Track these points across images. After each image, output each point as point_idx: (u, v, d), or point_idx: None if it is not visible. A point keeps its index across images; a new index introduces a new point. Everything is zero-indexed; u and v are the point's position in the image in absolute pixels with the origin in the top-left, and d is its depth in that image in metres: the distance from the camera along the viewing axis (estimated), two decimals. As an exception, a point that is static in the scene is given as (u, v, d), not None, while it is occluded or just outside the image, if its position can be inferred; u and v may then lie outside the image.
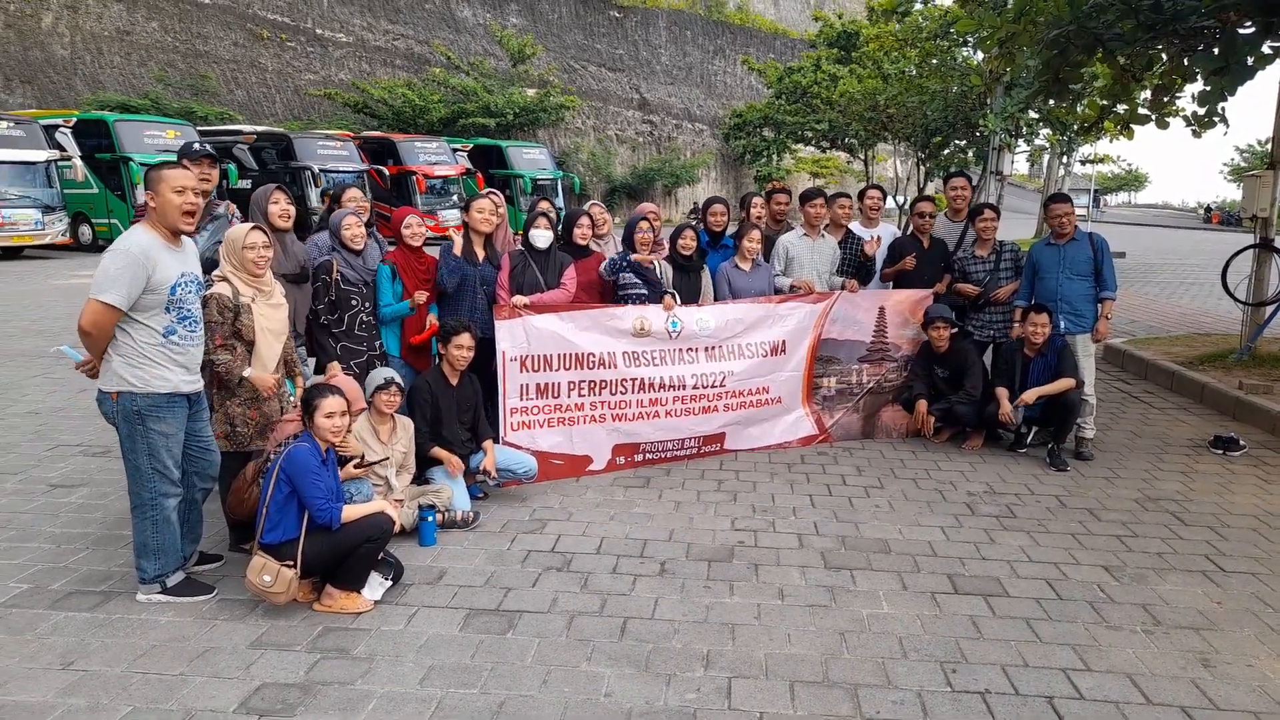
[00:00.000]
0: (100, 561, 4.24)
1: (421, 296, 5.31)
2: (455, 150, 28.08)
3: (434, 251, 5.48)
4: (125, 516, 3.91)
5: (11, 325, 10.83)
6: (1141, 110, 8.60)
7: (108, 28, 30.60)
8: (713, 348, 6.01)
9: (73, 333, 3.68)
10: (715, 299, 6.22)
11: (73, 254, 19.88)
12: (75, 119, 21.69)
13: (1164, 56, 8.06)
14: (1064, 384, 5.91)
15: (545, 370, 5.54)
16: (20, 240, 18.97)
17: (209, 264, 4.24)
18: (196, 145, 4.63)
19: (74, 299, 4.40)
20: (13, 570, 4.13)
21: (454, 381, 5.06)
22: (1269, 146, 8.85)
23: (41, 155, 19.46)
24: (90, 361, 3.77)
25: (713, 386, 6.02)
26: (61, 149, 20.34)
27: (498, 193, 6.03)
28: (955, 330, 6.37)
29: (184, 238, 3.78)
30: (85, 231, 21.37)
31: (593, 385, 5.69)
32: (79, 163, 20.16)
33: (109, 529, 4.62)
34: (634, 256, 5.77)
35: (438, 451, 4.94)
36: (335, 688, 3.21)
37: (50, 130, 20.47)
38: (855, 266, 6.72)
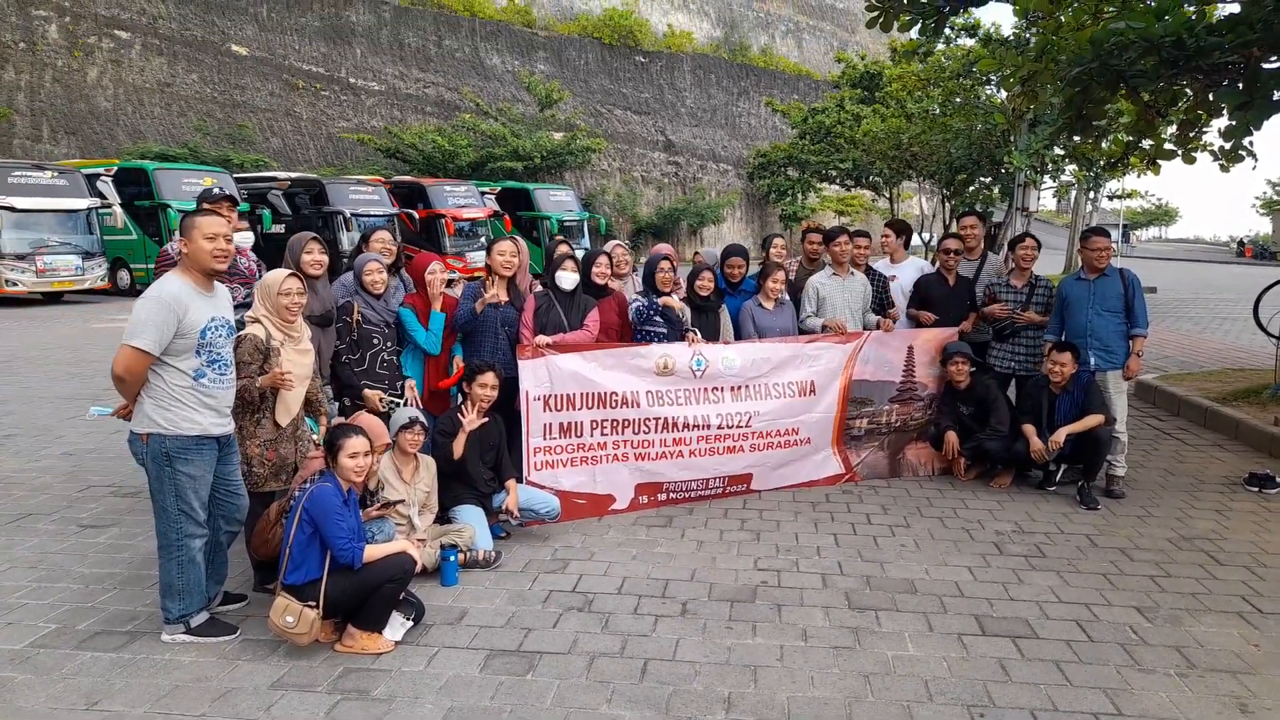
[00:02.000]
0: (127, 601, 4.29)
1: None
2: (483, 193, 28.49)
3: (455, 292, 5.57)
4: (153, 557, 3.96)
5: (51, 369, 11.08)
6: (1167, 145, 8.57)
7: (149, 80, 31.64)
8: (739, 387, 6.00)
9: (108, 376, 3.77)
10: (740, 338, 6.23)
11: (111, 299, 20.35)
12: (116, 168, 22.35)
13: (1188, 92, 8.04)
14: (1093, 420, 5.83)
15: (569, 410, 5.56)
16: (61, 285, 19.48)
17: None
18: (216, 189, 4.78)
19: (111, 342, 4.53)
20: (42, 610, 4.18)
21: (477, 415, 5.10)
22: (1299, 180, 8.75)
23: (83, 203, 20.04)
24: (127, 406, 3.85)
25: (738, 426, 5.99)
26: (102, 197, 20.94)
27: (517, 236, 6.12)
28: (974, 367, 6.32)
29: (216, 283, 3.88)
30: (124, 276, 21.88)
31: (616, 424, 5.70)
32: (119, 210, 20.73)
33: (136, 569, 4.67)
34: (662, 301, 5.81)
35: (367, 394, 5.10)
36: (354, 729, 3.20)
37: (92, 179, 21.10)
38: (880, 304, 6.73)
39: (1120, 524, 5.50)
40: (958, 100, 18.87)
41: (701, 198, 44.08)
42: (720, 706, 3.38)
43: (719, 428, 5.93)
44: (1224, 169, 8.41)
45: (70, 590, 4.42)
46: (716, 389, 5.93)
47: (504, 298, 5.59)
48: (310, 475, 4.06)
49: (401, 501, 4.57)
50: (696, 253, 7.13)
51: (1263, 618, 4.17)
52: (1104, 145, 10.61)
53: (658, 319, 5.82)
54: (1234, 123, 6.78)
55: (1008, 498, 6.04)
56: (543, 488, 5.41)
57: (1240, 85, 6.73)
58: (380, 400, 5.10)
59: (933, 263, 7.44)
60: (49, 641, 3.87)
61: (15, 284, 18.66)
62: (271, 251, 5.12)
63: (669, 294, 5.98)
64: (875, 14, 7.61)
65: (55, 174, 20.06)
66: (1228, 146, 7.43)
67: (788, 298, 6.52)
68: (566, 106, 40.21)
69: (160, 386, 3.69)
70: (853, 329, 6.39)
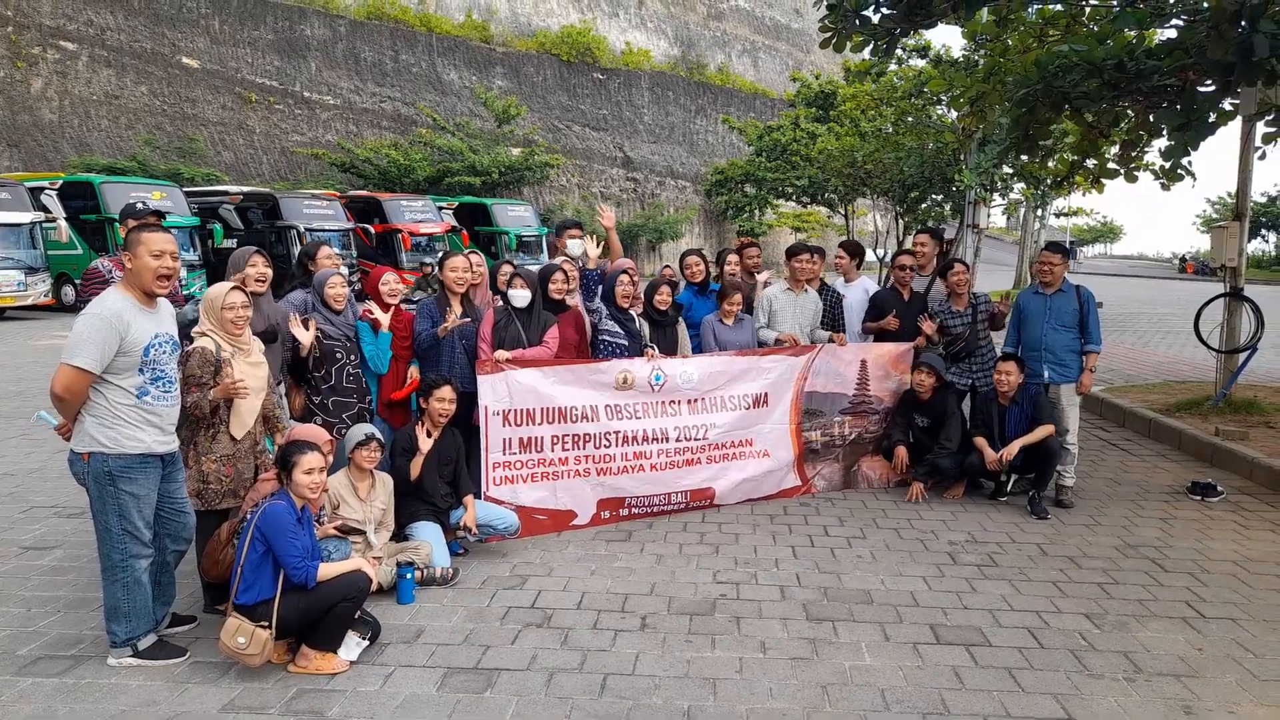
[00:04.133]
0: (71, 625, 4.17)
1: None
2: (441, 208, 28.33)
3: (412, 308, 5.53)
4: (98, 579, 3.85)
5: (-10, 386, 10.74)
6: (1111, 165, 8.83)
7: (96, 92, 30.96)
8: (695, 400, 6.04)
9: (48, 396, 3.67)
10: (703, 350, 6.29)
11: (55, 315, 19.81)
12: (61, 181, 21.81)
13: (1130, 113, 8.30)
14: (1043, 431, 5.96)
15: (528, 424, 5.54)
16: (3, 301, 18.93)
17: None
18: (139, 205, 4.68)
19: (55, 359, 4.41)
20: (-19, 635, 4.04)
21: (434, 435, 5.06)
22: (1235, 199, 9.08)
23: (26, 217, 19.52)
24: (67, 425, 3.75)
25: (695, 440, 6.03)
26: (47, 210, 20.41)
27: (478, 252, 6.09)
28: (939, 382, 6.42)
29: (159, 299, 3.80)
30: (68, 292, 21.31)
31: (577, 439, 5.69)
32: (64, 224, 20.20)
33: (81, 591, 4.54)
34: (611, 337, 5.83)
35: (470, 501, 5.06)
36: (308, 751, 3.14)
37: (36, 193, 20.56)
38: (833, 319, 6.83)
39: (1069, 533, 5.62)
40: (910, 120, 19.22)
41: (660, 214, 44.29)
42: (680, 719, 3.38)
43: (677, 440, 5.97)
44: (1165, 188, 8.68)
45: (11, 614, 4.28)
46: (674, 402, 5.97)
47: (459, 312, 5.56)
48: (261, 497, 3.99)
49: (361, 534, 4.51)
50: (666, 266, 7.13)
51: (1206, 623, 4.28)
52: (1050, 164, 10.88)
53: (617, 328, 5.84)
54: (1173, 143, 7.01)
55: (961, 508, 6.15)
56: (502, 503, 5.37)
57: (1178, 107, 6.97)
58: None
59: (887, 279, 7.58)
60: (-12, 668, 3.74)
61: (-46, 300, 18.09)
62: (223, 267, 5.02)
63: (628, 309, 6.01)
64: (829, 35, 7.74)
65: (-3, 187, 19.53)
66: (1168, 166, 7.67)
67: (746, 315, 6.60)
68: (524, 122, 40.18)
69: (102, 404, 3.60)
70: (802, 344, 6.48)
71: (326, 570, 3.74)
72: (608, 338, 5.89)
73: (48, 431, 7.92)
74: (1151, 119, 7.98)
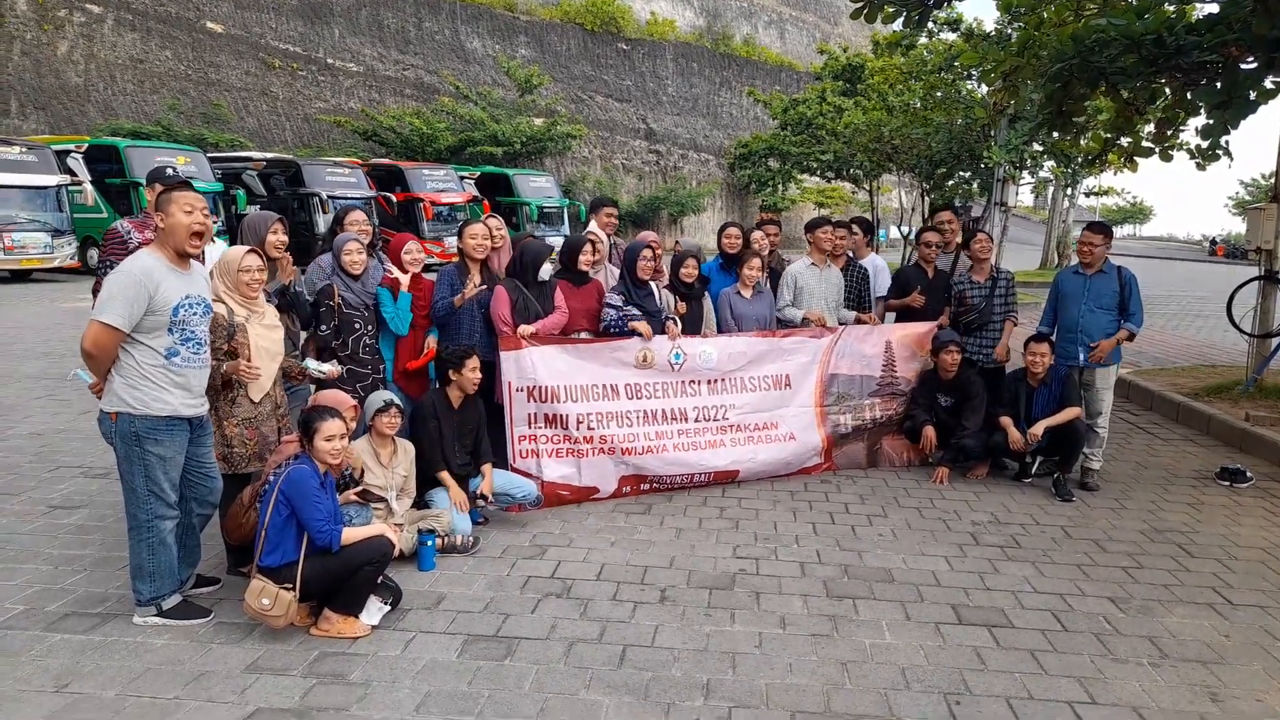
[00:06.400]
0: (98, 583, 4.22)
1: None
2: (462, 178, 28.26)
3: (433, 276, 5.50)
4: (124, 538, 3.89)
5: (19, 347, 10.87)
6: (1145, 143, 8.64)
7: (121, 56, 31.02)
8: (715, 380, 6.00)
9: (78, 355, 3.69)
10: (717, 326, 6.22)
11: (81, 277, 19.97)
12: (87, 144, 21.91)
13: (1167, 90, 8.11)
14: (1070, 413, 5.88)
15: (553, 401, 5.52)
16: (29, 263, 19.08)
17: None
18: (169, 170, 4.66)
19: (81, 321, 4.45)
20: (10, 591, 4.10)
21: (456, 404, 5.06)
22: (1272, 180, 8.87)
23: (52, 180, 19.62)
24: (99, 384, 3.77)
25: (714, 420, 5.99)
26: (73, 174, 20.52)
27: (497, 217, 6.04)
28: (964, 357, 6.35)
29: (193, 261, 3.80)
30: (94, 255, 21.45)
31: (600, 417, 5.67)
32: (89, 187, 20.32)
33: (107, 550, 4.60)
34: (631, 325, 5.70)
35: (446, 478, 4.92)
36: (330, 713, 3.17)
37: (62, 155, 20.66)
38: (857, 297, 6.76)
39: (1095, 516, 5.56)
40: (939, 94, 18.89)
41: (682, 187, 43.99)
42: (699, 692, 3.38)
43: (695, 420, 5.93)
44: (1200, 167, 8.50)
45: (39, 571, 4.34)
46: (693, 382, 5.93)
47: (478, 279, 5.52)
48: (284, 460, 4.00)
49: (383, 501, 4.52)
50: (677, 241, 7.05)
51: (1233, 609, 4.23)
52: (1083, 142, 10.65)
53: (634, 311, 5.77)
54: (1211, 121, 6.85)
55: (984, 489, 6.09)
56: (529, 475, 5.38)
57: (1218, 84, 6.80)
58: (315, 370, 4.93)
59: (910, 256, 7.50)
60: (17, 623, 3.80)
61: (-18, 261, 18.28)
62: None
63: (649, 282, 5.94)
64: (860, 5, 7.59)
65: (24, 150, 19.61)
66: (1205, 145, 7.51)
67: (767, 286, 6.52)
68: (547, 92, 39.91)
69: (130, 365, 3.61)
70: (829, 322, 6.41)
71: (350, 534, 3.75)
72: (609, 307, 5.80)
73: (74, 392, 8.04)
74: (1189, 96, 7.80)
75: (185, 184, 3.99)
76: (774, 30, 59.32)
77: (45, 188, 19.49)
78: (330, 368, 4.81)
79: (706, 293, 6.26)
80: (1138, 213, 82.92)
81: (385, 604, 3.91)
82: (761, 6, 58.70)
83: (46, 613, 3.90)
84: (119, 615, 3.87)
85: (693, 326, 6.03)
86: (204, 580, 4.20)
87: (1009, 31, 14.08)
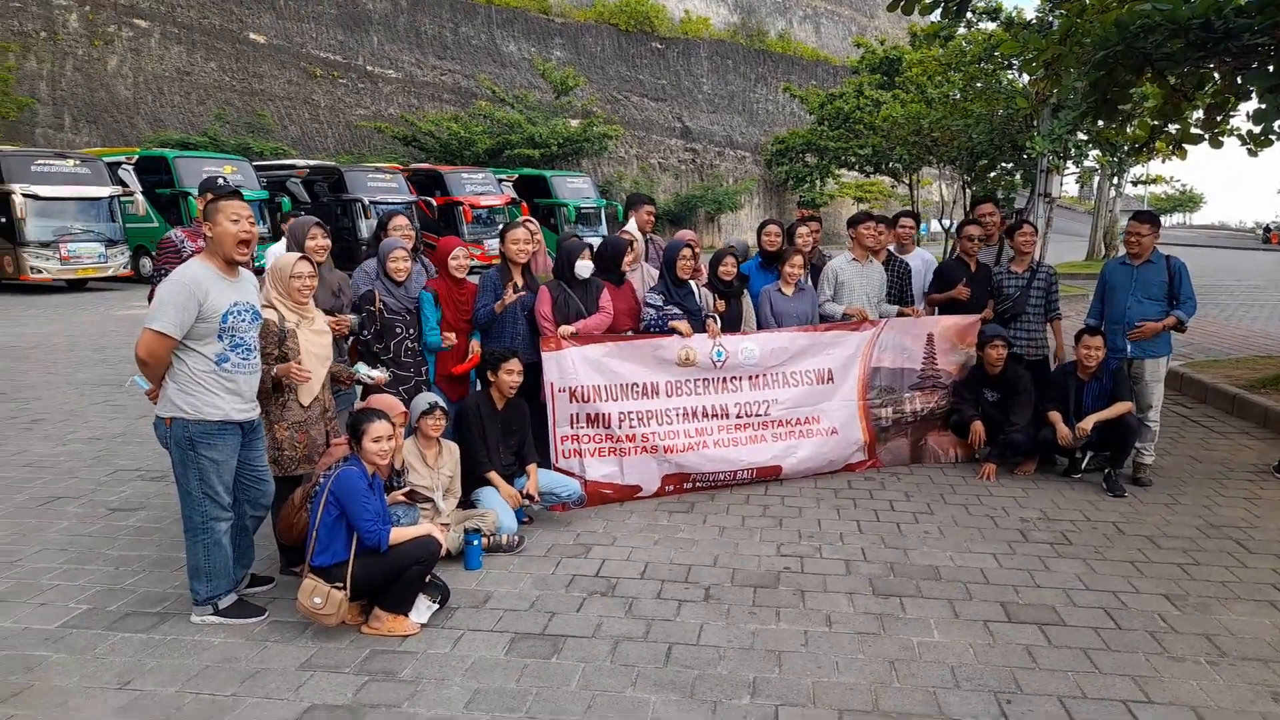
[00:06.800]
0: (156, 583, 4.34)
1: (451, 340, 5.31)
2: (500, 180, 28.50)
3: (475, 278, 5.56)
4: (181, 540, 4.00)
5: (76, 354, 11.20)
6: (1194, 130, 8.44)
7: (168, 69, 31.79)
8: (756, 376, 5.98)
9: (134, 362, 3.80)
10: (758, 323, 6.21)
11: (134, 286, 20.52)
12: (137, 156, 22.51)
13: (1216, 75, 7.91)
14: (1121, 408, 5.77)
15: (595, 401, 5.55)
16: (85, 273, 19.66)
17: None
18: (220, 180, 4.78)
19: (134, 328, 4.60)
20: (73, 591, 4.24)
21: (500, 406, 5.11)
22: (1330, 163, 8.61)
23: (105, 191, 20.20)
24: (155, 390, 3.89)
25: (756, 415, 5.97)
26: (124, 185, 21.09)
27: (533, 220, 6.08)
28: (1010, 351, 6.25)
29: (241, 268, 3.89)
30: (146, 264, 22.04)
31: (642, 416, 5.69)
32: (140, 198, 20.87)
33: (165, 552, 4.72)
34: (671, 324, 5.73)
35: (495, 478, 4.97)
36: (383, 710, 3.23)
37: (114, 167, 21.25)
38: (899, 292, 6.69)
39: (1148, 512, 5.45)
40: (979, 85, 18.61)
41: (719, 184, 43.90)
42: (745, 691, 3.38)
43: (737, 416, 5.92)
44: (1252, 153, 8.29)
45: (100, 572, 4.47)
46: (735, 379, 5.92)
47: (520, 283, 5.57)
48: (334, 462, 4.08)
49: (430, 501, 4.59)
50: (731, 246, 6.92)
51: (1294, 606, 4.12)
52: (1129, 130, 10.42)
53: (675, 310, 5.77)
54: (1263, 106, 6.66)
55: (1032, 485, 6.00)
56: (571, 474, 5.42)
57: (1270, 68, 6.62)
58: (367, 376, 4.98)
59: (952, 250, 7.40)
60: (81, 622, 3.92)
61: (40, 271, 18.85)
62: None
63: (688, 281, 5.94)
64: (898, -3, 7.53)
65: (78, 162, 20.22)
66: (1257, 130, 7.32)
67: (809, 283, 6.48)
68: (583, 93, 40.07)
69: (183, 371, 3.71)
70: (871, 317, 6.35)
71: (398, 534, 3.82)
72: (648, 306, 5.82)
73: (130, 398, 8.27)
74: (1240, 80, 7.60)
75: (235, 193, 4.10)
76: (809, 25, 58.89)
77: (99, 199, 20.09)
78: (379, 374, 4.90)
79: (746, 290, 6.24)
80: (1188, 201, 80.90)
81: (434, 602, 3.97)
82: (796, 1, 58.31)
83: (108, 612, 4.03)
84: (177, 614, 3.98)
85: (732, 324, 6.02)
86: (258, 580, 4.30)
87: (1050, 19, 13.80)
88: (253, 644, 3.74)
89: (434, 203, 25.53)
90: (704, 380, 5.84)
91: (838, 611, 4.07)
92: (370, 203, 22.99)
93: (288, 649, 3.69)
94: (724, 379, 5.90)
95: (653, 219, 6.70)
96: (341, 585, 3.69)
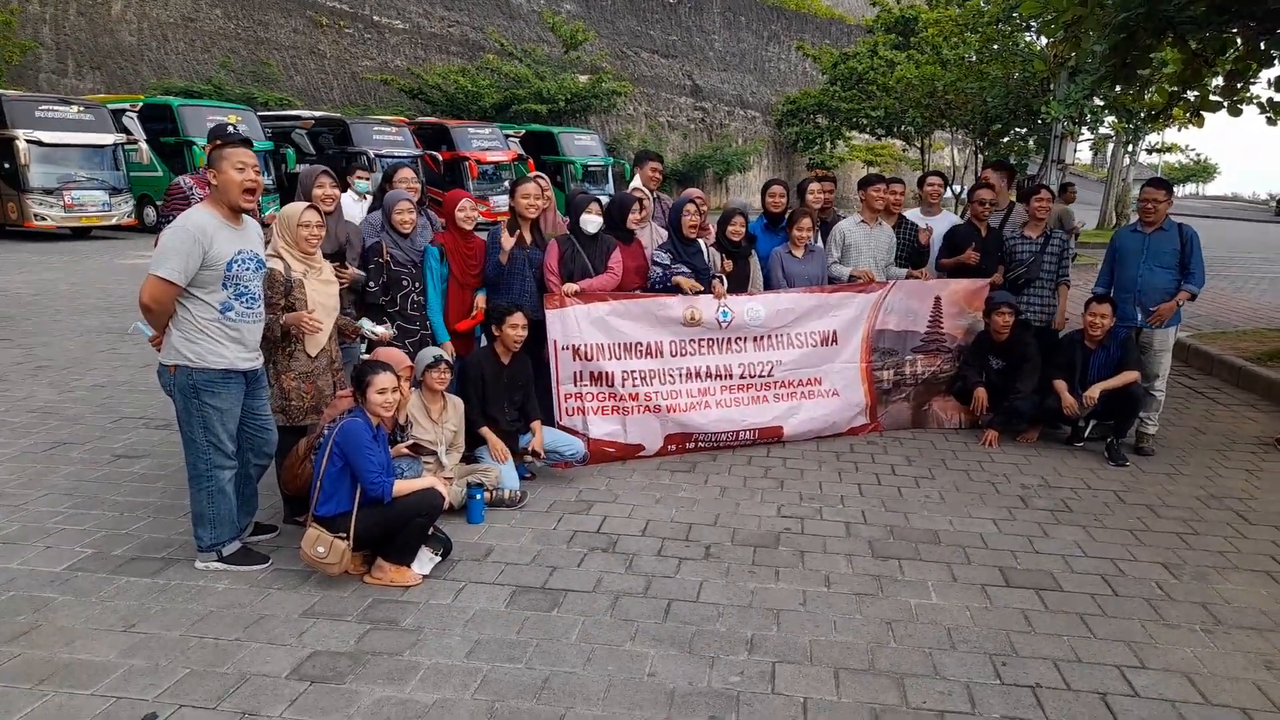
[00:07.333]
0: (161, 529, 4.37)
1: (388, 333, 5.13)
2: (507, 136, 28.22)
3: (484, 235, 5.52)
4: (185, 487, 4.03)
5: (81, 303, 11.20)
6: (1213, 97, 8.29)
7: (173, 15, 31.32)
8: (761, 337, 5.96)
9: (138, 310, 3.79)
10: (768, 285, 6.17)
11: (138, 235, 20.45)
12: (141, 104, 22.27)
13: (1238, 40, 7.75)
14: (1128, 377, 5.74)
15: (599, 359, 5.54)
16: (88, 221, 19.57)
17: None
18: (230, 128, 4.73)
19: (139, 277, 4.56)
20: (78, 536, 4.28)
21: (505, 361, 5.10)
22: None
23: (109, 139, 20.02)
24: (159, 337, 3.88)
25: (760, 376, 5.97)
26: (128, 133, 20.91)
27: (544, 176, 6.01)
28: (1017, 318, 6.21)
29: (246, 217, 3.86)
30: (150, 213, 21.95)
31: (645, 375, 5.68)
32: (144, 146, 20.69)
33: (169, 498, 4.76)
34: (675, 280, 5.69)
35: (486, 433, 4.99)
36: (384, 658, 3.27)
37: (117, 115, 21.04)
38: (910, 254, 6.63)
39: (1148, 481, 5.45)
40: (995, 47, 18.33)
41: (728, 145, 43.38)
42: (743, 647, 3.41)
43: (740, 377, 5.91)
44: (1271, 122, 8.18)
45: (105, 517, 4.51)
46: (739, 339, 5.90)
47: (529, 239, 5.53)
48: (339, 413, 4.09)
49: (433, 454, 4.60)
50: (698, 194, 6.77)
51: (1291, 577, 4.14)
52: (1147, 96, 10.25)
53: (683, 267, 5.74)
54: (1287, 73, 6.55)
55: (1034, 452, 6.00)
56: (574, 433, 5.43)
57: (1296, 34, 6.49)
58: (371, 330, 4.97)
59: (963, 214, 7.33)
60: (86, 565, 3.96)
61: (44, 218, 18.76)
62: (295, 191, 5.11)
63: (697, 239, 5.89)
64: (917, -47, 7.35)
65: (81, 109, 20.02)
66: (1277, 98, 7.19)
67: (819, 245, 6.43)
68: (592, 48, 39.47)
69: (187, 319, 3.70)
70: (877, 280, 6.31)
71: (402, 486, 3.83)
72: (655, 265, 5.79)
73: (135, 346, 8.28)
74: (1263, 46, 7.45)
75: (245, 141, 4.06)
76: (825, -18, 57.76)
77: (103, 146, 19.92)
78: (384, 329, 4.88)
79: (754, 251, 6.19)
80: (1201, 170, 79.82)
81: (436, 555, 4.00)
82: (812, -43, 57.13)
83: (113, 556, 4.07)
84: (181, 560, 4.02)
85: (739, 285, 5.99)
86: (262, 528, 4.34)
87: (1072, -20, 13.51)
88: (256, 590, 3.78)
89: (440, 157, 25.32)
90: (708, 340, 5.82)
91: (836, 572, 4.09)
92: (376, 155, 22.79)
93: (291, 596, 3.73)
94: (728, 339, 5.88)
95: (659, 175, 6.62)
96: (345, 535, 3.72)
